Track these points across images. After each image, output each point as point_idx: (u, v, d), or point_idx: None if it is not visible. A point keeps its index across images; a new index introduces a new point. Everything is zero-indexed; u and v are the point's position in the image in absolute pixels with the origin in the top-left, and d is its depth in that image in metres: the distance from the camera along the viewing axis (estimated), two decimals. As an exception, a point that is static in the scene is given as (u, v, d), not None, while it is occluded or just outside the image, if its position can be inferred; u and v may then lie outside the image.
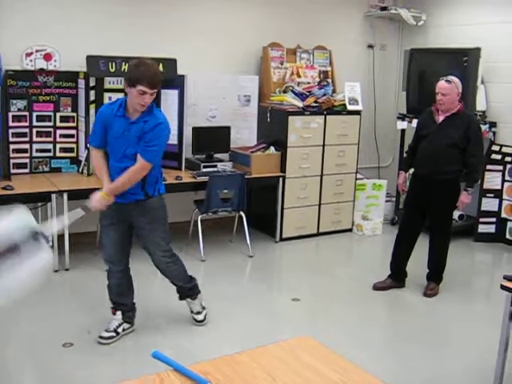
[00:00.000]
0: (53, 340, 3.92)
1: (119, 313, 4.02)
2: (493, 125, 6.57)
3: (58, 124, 5.60)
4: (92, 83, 5.49)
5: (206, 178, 5.55)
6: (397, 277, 5.14)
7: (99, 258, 5.37)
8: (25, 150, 5.48)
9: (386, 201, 7.18)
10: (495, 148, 6.56)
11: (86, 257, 5.49)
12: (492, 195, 6.56)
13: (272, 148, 6.20)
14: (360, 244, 6.60)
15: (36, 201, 5.37)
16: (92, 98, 5.50)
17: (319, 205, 6.50)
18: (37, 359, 3.69)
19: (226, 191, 5.60)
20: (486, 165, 6.42)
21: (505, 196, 6.51)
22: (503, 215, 6.51)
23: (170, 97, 5.86)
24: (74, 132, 5.65)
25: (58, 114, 5.58)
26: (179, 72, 5.78)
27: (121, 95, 5.72)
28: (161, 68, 5.69)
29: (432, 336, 4.31)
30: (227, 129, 6.21)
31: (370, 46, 7.49)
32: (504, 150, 6.51)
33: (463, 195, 4.83)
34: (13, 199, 4.99)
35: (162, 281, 4.21)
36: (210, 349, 3.71)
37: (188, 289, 4.14)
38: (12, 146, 5.38)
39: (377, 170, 7.69)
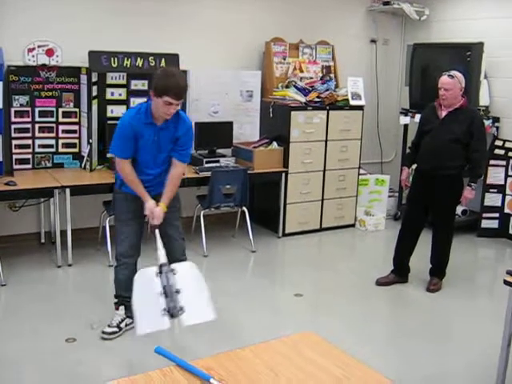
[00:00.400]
0: (56, 335, 3.93)
1: (122, 308, 4.02)
2: (496, 120, 6.55)
3: (61, 119, 5.59)
4: (94, 78, 5.49)
5: (208, 174, 5.55)
6: (400, 272, 5.14)
7: (102, 254, 5.41)
8: (27, 146, 5.48)
9: (389, 196, 7.18)
10: (498, 143, 6.54)
11: (88, 252, 5.49)
12: (495, 190, 6.54)
13: (274, 143, 6.19)
14: (363, 239, 6.59)
15: (38, 196, 5.38)
16: (94, 93, 5.50)
17: (322, 200, 6.50)
18: (40, 354, 3.69)
19: (228, 186, 5.59)
20: (489, 160, 6.41)
21: (508, 191, 6.49)
22: (506, 210, 6.50)
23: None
24: (76, 127, 5.65)
25: (61, 110, 5.58)
26: (181, 67, 5.76)
27: (122, 90, 5.77)
28: (163, 63, 5.70)
29: (435, 331, 4.31)
30: (230, 124, 6.20)
31: (373, 41, 7.47)
32: (507, 145, 6.48)
33: (467, 190, 4.81)
34: (15, 195, 5.02)
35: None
36: (212, 344, 3.71)
37: None
38: (14, 142, 5.38)
39: (379, 166, 7.68)
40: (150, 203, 3.78)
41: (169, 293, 3.07)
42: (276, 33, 6.58)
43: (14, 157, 5.39)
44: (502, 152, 6.50)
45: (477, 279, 5.63)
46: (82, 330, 4.02)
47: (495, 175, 6.51)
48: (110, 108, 5.76)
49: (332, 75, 6.79)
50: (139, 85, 5.85)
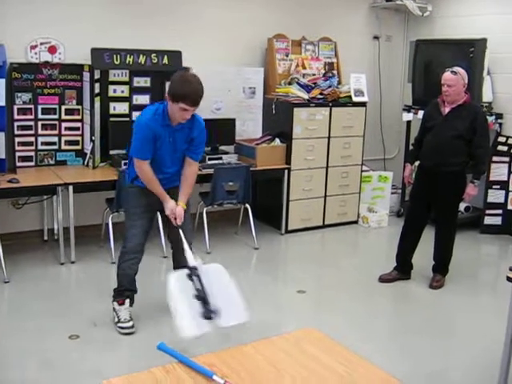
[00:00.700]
0: (59, 332, 3.93)
1: (128, 301, 4.06)
2: (499, 116, 6.53)
3: (63, 117, 5.60)
4: (97, 76, 5.48)
5: (211, 171, 5.54)
6: (402, 269, 5.14)
7: (104, 251, 5.42)
8: (30, 143, 5.48)
9: (392, 193, 7.17)
10: (501, 139, 6.52)
11: (91, 250, 5.50)
12: (498, 187, 6.53)
13: (277, 140, 6.19)
14: (366, 236, 6.59)
15: (41, 194, 5.40)
16: (97, 90, 5.49)
17: (325, 197, 6.49)
18: (43, 351, 3.70)
19: (231, 183, 5.59)
20: (492, 156, 6.39)
21: (511, 188, 6.48)
22: (509, 207, 6.49)
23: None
24: (79, 125, 5.65)
25: (63, 107, 5.58)
26: (184, 64, 5.76)
27: (125, 88, 5.77)
28: (166, 60, 5.70)
29: (438, 328, 4.31)
30: (232, 121, 6.20)
31: (376, 38, 7.46)
32: (510, 141, 6.46)
33: (470, 187, 4.80)
34: (18, 192, 5.02)
35: (168, 272, 4.21)
36: (215, 341, 3.71)
37: None
38: (17, 139, 5.38)
39: (382, 162, 7.67)
40: (170, 204, 3.84)
41: (203, 296, 3.10)
42: (278, 29, 6.57)
43: (17, 154, 5.39)
44: (505, 148, 6.48)
45: (480, 276, 5.63)
46: (86, 326, 4.03)
47: (498, 171, 6.50)
48: (112, 105, 5.76)
49: (335, 72, 6.78)
50: (142, 82, 5.85)
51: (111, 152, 5.62)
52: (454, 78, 4.61)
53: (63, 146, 5.64)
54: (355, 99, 6.40)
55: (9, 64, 5.19)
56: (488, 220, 6.59)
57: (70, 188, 5.05)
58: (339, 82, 6.63)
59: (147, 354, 3.56)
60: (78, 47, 5.44)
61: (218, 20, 6.26)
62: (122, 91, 5.79)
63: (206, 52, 6.17)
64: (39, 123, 5.50)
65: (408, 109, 6.92)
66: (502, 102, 6.56)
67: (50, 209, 5.68)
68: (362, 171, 6.75)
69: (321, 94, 6.28)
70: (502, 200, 6.53)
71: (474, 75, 5.86)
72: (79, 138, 5.68)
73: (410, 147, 5.70)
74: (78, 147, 5.69)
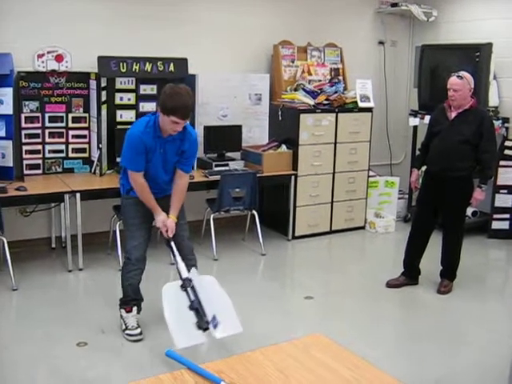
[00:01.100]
0: (67, 339, 3.94)
1: (135, 308, 4.08)
2: (506, 120, 6.51)
3: (70, 125, 5.62)
4: (103, 84, 5.51)
5: (217, 177, 5.55)
6: (410, 274, 5.12)
7: (112, 258, 5.43)
8: (37, 151, 5.51)
9: (399, 198, 7.16)
10: (508, 143, 6.50)
11: (99, 257, 5.52)
12: (505, 191, 6.51)
13: (284, 146, 6.20)
14: (373, 241, 6.57)
15: (49, 201, 5.42)
16: (103, 98, 5.52)
17: (331, 202, 6.49)
18: (51, 358, 3.71)
19: (237, 190, 5.60)
20: (499, 161, 6.37)
21: (519, 192, 6.47)
22: (517, 211, 6.47)
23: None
24: (86, 132, 5.68)
25: (70, 115, 5.61)
26: (190, 71, 5.79)
27: (132, 95, 5.79)
28: (172, 68, 5.72)
29: (446, 333, 4.29)
30: (239, 127, 6.21)
31: (381, 43, 7.46)
32: (517, 145, 6.46)
33: (477, 192, 4.79)
34: (26, 200, 5.04)
35: (175, 279, 4.22)
36: (223, 347, 3.71)
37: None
38: (25, 147, 5.40)
39: (389, 167, 7.66)
40: (161, 216, 3.87)
41: (196, 307, 3.11)
42: (284, 36, 6.59)
43: (25, 162, 5.41)
44: (511, 153, 6.47)
45: (488, 281, 5.60)
46: (93, 334, 4.04)
47: (505, 176, 6.48)
48: (119, 113, 5.79)
49: (340, 77, 6.78)
50: (148, 89, 5.87)
51: (118, 159, 5.63)
52: (460, 83, 4.61)
53: (70, 154, 5.67)
54: (361, 105, 6.40)
55: (16, 73, 5.22)
56: (496, 225, 6.56)
57: (78, 195, 5.07)
58: (345, 88, 6.63)
59: (155, 361, 3.58)
60: (85, 55, 5.47)
61: (223, 27, 6.28)
62: (129, 99, 5.82)
63: (211, 59, 6.20)
64: (46, 131, 5.53)
65: (414, 114, 6.91)
66: (509, 106, 6.54)
67: (57, 216, 5.70)
68: (368, 176, 6.74)
69: (327, 99, 6.29)
70: (509, 204, 6.50)
71: (480, 80, 5.86)
72: (86, 146, 5.70)
73: (417, 152, 5.69)
74: (85, 155, 5.71)
